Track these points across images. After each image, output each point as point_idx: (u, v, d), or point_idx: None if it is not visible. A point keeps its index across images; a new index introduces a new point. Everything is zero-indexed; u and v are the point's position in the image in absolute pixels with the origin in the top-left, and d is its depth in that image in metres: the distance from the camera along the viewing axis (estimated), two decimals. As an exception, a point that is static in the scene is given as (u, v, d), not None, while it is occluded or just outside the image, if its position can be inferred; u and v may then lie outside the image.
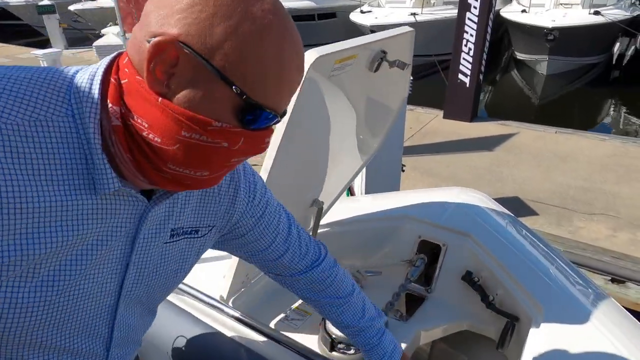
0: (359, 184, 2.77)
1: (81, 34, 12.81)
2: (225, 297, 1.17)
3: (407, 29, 1.00)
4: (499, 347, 1.19)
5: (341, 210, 1.55)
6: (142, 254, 0.66)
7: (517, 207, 3.69)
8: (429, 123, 5.57)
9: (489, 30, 5.13)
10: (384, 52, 0.92)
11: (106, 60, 0.57)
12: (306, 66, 0.72)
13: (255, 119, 0.54)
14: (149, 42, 0.50)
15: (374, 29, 9.24)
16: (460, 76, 5.33)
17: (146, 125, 0.53)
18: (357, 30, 10.36)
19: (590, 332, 1.00)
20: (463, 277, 1.34)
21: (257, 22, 0.51)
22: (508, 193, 3.91)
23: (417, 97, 4.81)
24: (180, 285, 1.16)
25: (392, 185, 3.09)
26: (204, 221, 0.74)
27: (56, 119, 0.53)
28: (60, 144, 0.53)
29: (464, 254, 1.38)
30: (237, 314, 1.04)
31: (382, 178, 2.84)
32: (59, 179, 0.53)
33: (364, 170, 2.01)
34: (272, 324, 1.22)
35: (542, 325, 1.06)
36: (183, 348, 1.00)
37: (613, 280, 3.02)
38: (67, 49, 10.81)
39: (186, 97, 0.51)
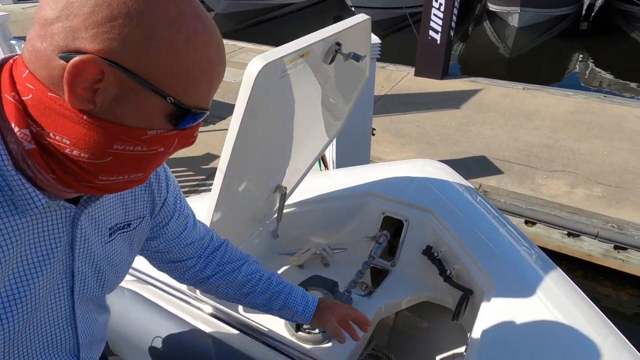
0: (329, 152, 2.78)
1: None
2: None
3: (364, 17, 0.97)
4: (455, 318, 1.27)
5: (307, 188, 1.57)
6: (85, 258, 0.66)
7: (483, 166, 3.80)
8: (400, 81, 5.54)
9: (460, -16, 5.02)
10: (339, 44, 0.90)
11: None
12: (252, 76, 0.70)
13: (188, 119, 0.54)
14: (63, 58, 0.46)
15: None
16: (431, 33, 5.25)
17: (68, 143, 0.49)
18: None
19: (536, 306, 1.08)
20: (423, 252, 1.40)
21: (184, 31, 0.49)
22: (475, 152, 4.01)
23: (389, 53, 4.74)
24: (153, 280, 1.18)
25: (363, 151, 3.11)
26: (135, 213, 0.75)
27: None
28: None
29: (425, 230, 1.44)
30: (207, 308, 1.07)
31: (353, 145, 2.85)
32: None
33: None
34: (240, 307, 1.27)
35: (493, 299, 1.14)
36: (160, 347, 1.04)
37: (569, 234, 3.22)
38: (16, 2, 9.99)
39: (115, 111, 0.49)
